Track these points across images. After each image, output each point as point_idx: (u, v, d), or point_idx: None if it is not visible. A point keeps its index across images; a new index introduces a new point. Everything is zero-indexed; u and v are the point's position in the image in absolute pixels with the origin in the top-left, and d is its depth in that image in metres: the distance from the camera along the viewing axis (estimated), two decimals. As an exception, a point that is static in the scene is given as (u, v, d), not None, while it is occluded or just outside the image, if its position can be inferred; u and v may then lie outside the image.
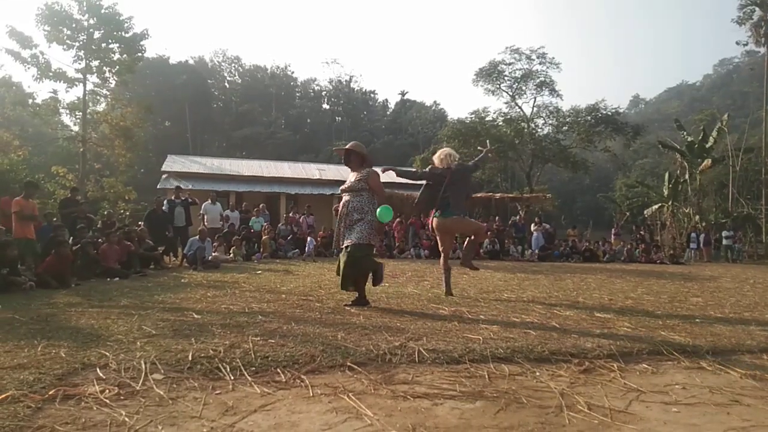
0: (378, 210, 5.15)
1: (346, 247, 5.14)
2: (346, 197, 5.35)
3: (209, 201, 14.34)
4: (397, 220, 15.97)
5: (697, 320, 4.95)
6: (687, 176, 27.43)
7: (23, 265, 7.74)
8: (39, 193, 10.87)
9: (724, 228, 22.48)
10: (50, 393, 2.41)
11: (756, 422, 2.29)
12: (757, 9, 28.38)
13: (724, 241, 21.23)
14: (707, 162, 26.03)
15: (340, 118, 69.70)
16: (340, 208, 5.37)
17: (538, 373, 2.96)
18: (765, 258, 22.90)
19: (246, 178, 25.79)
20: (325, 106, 72.97)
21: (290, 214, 17.11)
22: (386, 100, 78.60)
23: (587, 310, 5.48)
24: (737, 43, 31.46)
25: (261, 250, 13.81)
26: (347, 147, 5.53)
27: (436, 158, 6.50)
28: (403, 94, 74.61)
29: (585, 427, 2.18)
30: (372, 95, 76.06)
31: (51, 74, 20.79)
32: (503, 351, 3.36)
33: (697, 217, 25.41)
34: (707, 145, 26.83)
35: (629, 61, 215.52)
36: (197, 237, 10.99)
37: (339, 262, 5.28)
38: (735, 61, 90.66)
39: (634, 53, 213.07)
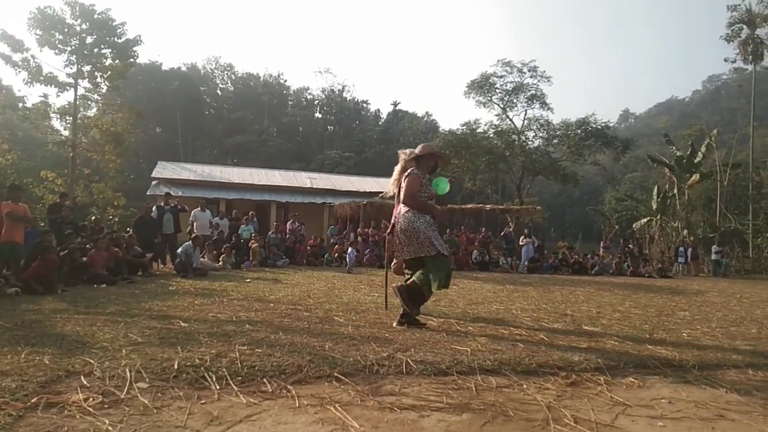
0: (436, 181, 5.16)
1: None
2: None
3: (199, 208, 14.30)
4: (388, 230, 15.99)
5: (684, 334, 4.98)
6: (675, 191, 27.74)
7: (9, 270, 7.64)
8: (26, 197, 10.68)
9: (712, 242, 22.71)
10: (33, 401, 2.38)
11: (740, 437, 2.30)
12: (744, 27, 29.00)
13: (713, 256, 21.43)
14: (695, 177, 26.34)
15: (332, 127, 69.61)
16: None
17: (525, 386, 2.97)
18: (752, 272, 23.14)
19: (236, 185, 25.73)
20: (318, 115, 72.77)
21: (287, 224, 17.04)
22: (378, 110, 78.48)
23: (575, 322, 5.51)
24: (726, 60, 31.97)
25: (250, 258, 13.76)
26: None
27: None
28: (395, 104, 74.74)
29: (571, 441, 2.18)
30: (364, 105, 75.99)
31: (42, 78, 20.72)
32: (491, 363, 3.37)
33: (685, 231, 25.64)
34: (696, 160, 27.18)
35: (619, 77, 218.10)
36: (190, 243, 10.92)
37: (443, 269, 4.79)
38: (723, 78, 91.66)
39: (624, 68, 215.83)
